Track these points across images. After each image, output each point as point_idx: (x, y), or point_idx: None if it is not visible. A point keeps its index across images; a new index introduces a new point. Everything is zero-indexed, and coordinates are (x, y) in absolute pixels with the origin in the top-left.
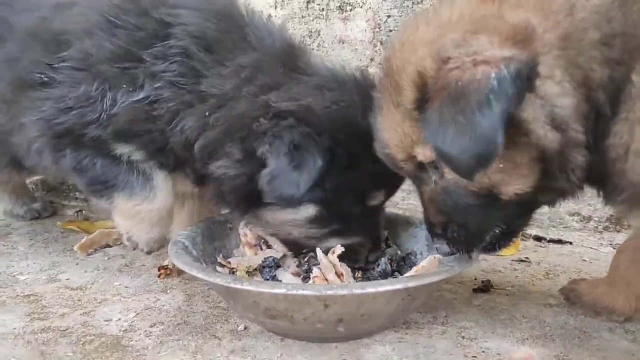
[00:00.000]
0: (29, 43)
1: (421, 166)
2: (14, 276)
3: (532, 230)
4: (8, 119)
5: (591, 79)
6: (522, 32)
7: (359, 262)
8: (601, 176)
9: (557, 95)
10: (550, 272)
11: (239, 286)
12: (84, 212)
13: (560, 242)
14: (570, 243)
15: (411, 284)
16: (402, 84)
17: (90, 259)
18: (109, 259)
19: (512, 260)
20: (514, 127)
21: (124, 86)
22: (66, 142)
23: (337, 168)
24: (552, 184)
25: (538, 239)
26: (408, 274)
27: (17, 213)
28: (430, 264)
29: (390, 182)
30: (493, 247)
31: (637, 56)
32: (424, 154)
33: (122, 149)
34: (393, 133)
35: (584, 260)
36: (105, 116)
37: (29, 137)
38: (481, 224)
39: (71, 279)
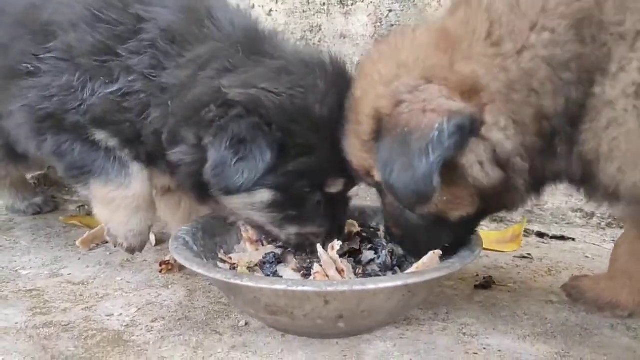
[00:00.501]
0: (18, 31)
1: (379, 183)
2: (16, 271)
3: (534, 226)
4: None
5: (544, 113)
6: (468, 84)
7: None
8: (577, 178)
9: (501, 139)
10: (552, 269)
11: (239, 282)
12: (85, 206)
13: (562, 238)
14: (573, 239)
15: (411, 280)
16: (360, 116)
17: (92, 253)
18: (110, 253)
19: (514, 256)
20: (453, 169)
21: (101, 78)
22: (47, 125)
23: (289, 156)
24: (497, 203)
25: (540, 234)
26: (408, 271)
27: (19, 208)
28: (430, 261)
29: (350, 170)
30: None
31: (594, 72)
32: (379, 177)
33: (99, 135)
34: (353, 154)
35: (587, 257)
36: (85, 105)
37: (16, 123)
38: (431, 240)
39: (73, 274)
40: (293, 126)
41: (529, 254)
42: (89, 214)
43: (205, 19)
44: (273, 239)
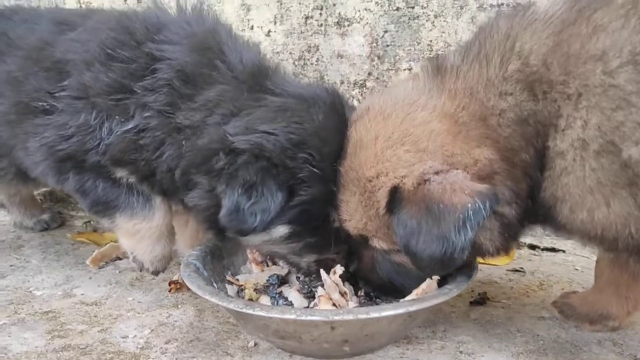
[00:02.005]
0: (30, 67)
1: (368, 244)
2: (30, 291)
3: (526, 239)
4: (11, 135)
5: (526, 168)
6: (485, 169)
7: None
8: (542, 219)
9: (509, 211)
10: (543, 283)
11: (250, 311)
12: (92, 222)
13: (553, 250)
14: (563, 251)
15: (412, 308)
16: (375, 193)
17: (102, 272)
18: (119, 272)
19: (507, 270)
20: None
21: (117, 116)
22: (69, 166)
23: (298, 192)
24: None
25: (532, 247)
26: (408, 297)
27: (27, 224)
28: (428, 287)
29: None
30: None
31: (548, 126)
32: (379, 244)
33: (120, 173)
34: (354, 220)
35: (576, 269)
36: (103, 145)
37: (34, 161)
38: (410, 284)
39: (86, 294)
40: (291, 162)
41: (521, 268)
42: (95, 230)
43: (217, 59)
44: (295, 267)
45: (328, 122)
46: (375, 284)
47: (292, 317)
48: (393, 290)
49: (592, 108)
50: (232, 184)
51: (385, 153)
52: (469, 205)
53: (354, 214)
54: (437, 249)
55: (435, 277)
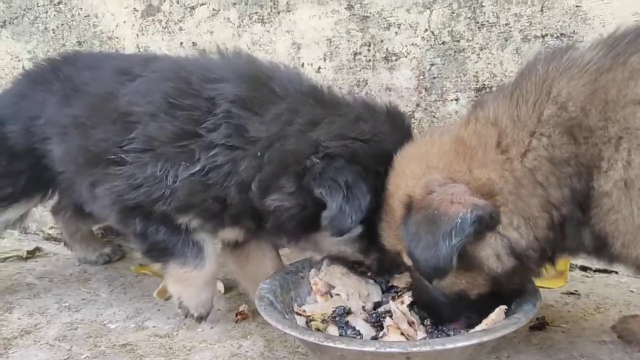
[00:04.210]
0: (98, 117)
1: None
2: (105, 324)
3: (577, 260)
4: (76, 171)
5: (552, 202)
6: (485, 188)
7: (384, 275)
8: (593, 251)
9: (516, 237)
10: (600, 306)
11: (331, 344)
12: None
13: (605, 271)
14: (616, 272)
15: (485, 338)
16: (393, 205)
17: (169, 303)
18: None
19: (562, 293)
20: (471, 259)
21: (183, 162)
22: (136, 213)
23: (376, 195)
24: (511, 282)
25: (584, 268)
26: (479, 327)
27: (90, 259)
28: (498, 316)
29: None
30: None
31: (591, 168)
32: (409, 261)
33: (182, 219)
34: (387, 240)
35: (631, 291)
36: (169, 191)
37: (102, 205)
38: (453, 312)
39: (157, 326)
40: (380, 169)
41: (576, 291)
42: None
43: (270, 82)
44: (355, 264)
45: (398, 133)
46: (422, 303)
47: (372, 349)
48: (435, 310)
49: (635, 149)
50: (336, 189)
51: (404, 170)
52: (461, 214)
53: (387, 232)
54: (429, 255)
55: (503, 307)
